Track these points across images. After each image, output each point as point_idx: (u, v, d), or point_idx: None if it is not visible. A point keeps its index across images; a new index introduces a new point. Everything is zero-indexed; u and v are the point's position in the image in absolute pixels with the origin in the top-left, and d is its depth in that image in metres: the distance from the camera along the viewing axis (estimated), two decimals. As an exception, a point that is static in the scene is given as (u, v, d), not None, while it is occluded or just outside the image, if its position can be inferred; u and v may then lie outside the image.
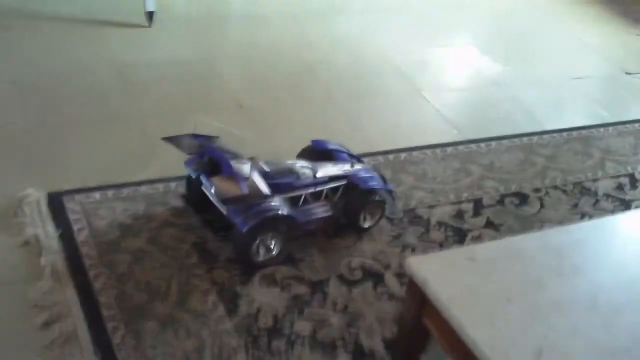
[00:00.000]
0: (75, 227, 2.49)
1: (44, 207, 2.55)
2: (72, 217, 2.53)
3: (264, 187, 2.39)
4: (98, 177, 2.73)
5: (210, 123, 2.98)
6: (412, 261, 1.78)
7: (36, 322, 2.14)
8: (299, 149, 2.82)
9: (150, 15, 3.79)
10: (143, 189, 2.71)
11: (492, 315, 1.67)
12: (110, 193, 2.66)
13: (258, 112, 3.31)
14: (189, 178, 2.61)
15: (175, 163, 2.69)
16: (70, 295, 2.24)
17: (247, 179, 2.36)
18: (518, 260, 1.85)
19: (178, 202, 2.66)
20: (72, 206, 2.58)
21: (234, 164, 2.38)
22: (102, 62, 3.50)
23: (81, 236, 2.46)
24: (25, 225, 2.46)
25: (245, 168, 2.40)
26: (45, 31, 3.70)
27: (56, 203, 2.58)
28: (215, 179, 2.36)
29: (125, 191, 2.69)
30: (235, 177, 2.34)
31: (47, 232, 2.45)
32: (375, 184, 2.64)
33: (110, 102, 3.23)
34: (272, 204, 2.39)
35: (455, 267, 1.79)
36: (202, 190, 2.52)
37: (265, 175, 2.45)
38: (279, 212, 2.38)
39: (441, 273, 1.76)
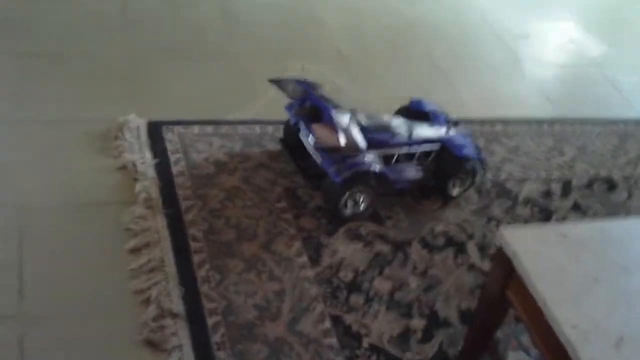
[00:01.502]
0: (172, 158, 2.55)
1: (144, 135, 2.61)
2: (169, 147, 2.59)
3: (360, 141, 2.41)
4: (196, 111, 2.78)
5: (315, 69, 3.00)
6: (503, 232, 1.77)
7: (127, 246, 2.22)
8: (393, 105, 2.82)
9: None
10: (241, 128, 2.75)
11: (578, 295, 1.67)
12: (209, 128, 2.72)
13: (356, 62, 3.32)
14: (287, 123, 2.64)
15: (273, 106, 2.75)
16: (161, 223, 2.31)
17: (345, 130, 2.37)
18: (608, 243, 1.83)
19: (273, 146, 2.70)
20: (170, 137, 2.63)
21: (334, 113, 2.40)
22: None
23: (177, 167, 2.52)
24: (124, 149, 2.53)
25: (345, 119, 2.41)
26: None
27: (155, 132, 2.64)
28: (315, 127, 2.38)
29: (224, 128, 2.74)
30: (334, 127, 2.36)
31: (145, 159, 2.51)
32: (470, 152, 2.63)
33: (212, 38, 3.26)
34: (367, 158, 2.41)
35: (546, 242, 1.78)
36: (299, 137, 2.55)
37: (362, 129, 2.46)
38: (372, 167, 2.40)
39: (531, 247, 1.76)
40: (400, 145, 2.55)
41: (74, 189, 2.37)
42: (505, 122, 3.18)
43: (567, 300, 1.64)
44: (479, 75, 3.50)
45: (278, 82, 2.54)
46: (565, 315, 1.60)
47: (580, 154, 3.11)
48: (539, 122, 3.24)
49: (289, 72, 3.08)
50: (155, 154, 2.54)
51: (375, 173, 2.41)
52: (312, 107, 2.51)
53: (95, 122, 2.63)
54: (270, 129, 2.78)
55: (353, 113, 2.49)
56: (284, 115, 2.64)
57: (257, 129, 2.77)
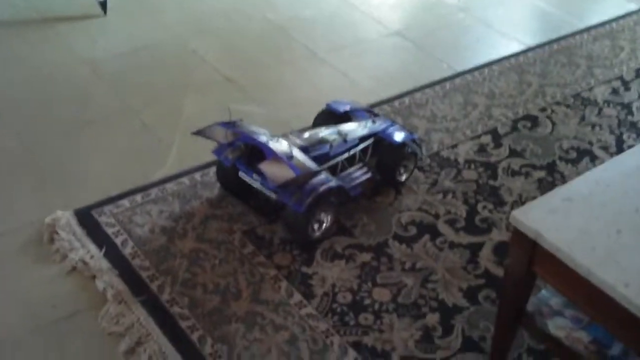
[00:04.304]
0: (117, 241, 2.37)
1: (77, 228, 2.42)
2: (110, 231, 2.41)
3: (310, 163, 2.32)
4: (118, 183, 2.59)
5: (241, 108, 2.89)
6: (518, 215, 1.75)
7: (119, 350, 2.05)
8: (303, 113, 2.79)
9: (103, 3, 3.59)
10: (170, 186, 2.60)
11: (612, 252, 1.66)
12: (138, 198, 2.54)
13: (248, 83, 3.19)
14: (219, 166, 2.51)
15: (189, 152, 2.67)
16: (141, 314, 2.14)
17: (292, 158, 2.28)
18: (609, 191, 1.84)
19: (210, 192, 2.57)
20: (105, 219, 2.45)
21: (273, 145, 2.30)
22: (71, 60, 3.30)
23: (127, 249, 2.35)
24: (66, 250, 2.33)
25: (285, 148, 2.32)
26: (-1, 40, 3.47)
27: (87, 220, 2.45)
28: (265, 166, 2.27)
29: (153, 192, 2.57)
30: (281, 159, 2.26)
31: (91, 253, 2.32)
32: (404, 136, 2.59)
33: (97, 99, 3.06)
34: (321, 178, 2.32)
35: (557, 211, 1.77)
36: (238, 177, 2.44)
37: (303, 150, 2.38)
38: (330, 184, 2.32)
39: (549, 222, 1.74)
40: (342, 153, 2.49)
41: (34, 309, 2.15)
42: (410, 93, 3.16)
43: (605, 260, 1.63)
44: (365, 57, 3.45)
45: (203, 132, 2.41)
46: (613, 276, 1.58)
47: (491, 100, 3.13)
48: (441, 83, 3.24)
49: (188, 110, 2.96)
50: (99, 244, 2.36)
51: (334, 189, 2.33)
52: (245, 145, 2.40)
53: (21, 229, 2.40)
54: (198, 176, 2.64)
55: (286, 138, 2.40)
56: (205, 157, 2.54)
57: (186, 181, 2.62)
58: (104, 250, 2.34)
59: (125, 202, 2.52)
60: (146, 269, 2.27)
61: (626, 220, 1.75)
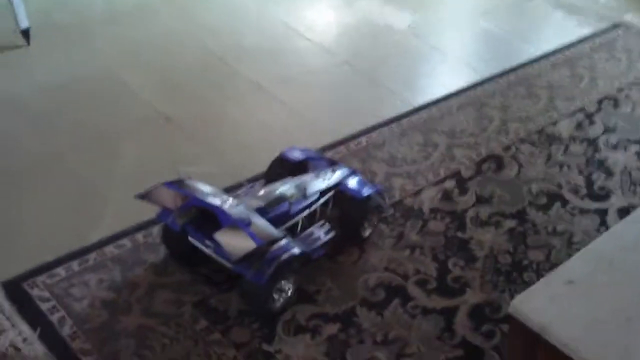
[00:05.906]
0: (54, 319, 2.09)
1: (6, 303, 2.13)
2: (44, 306, 2.13)
3: (271, 229, 2.08)
4: (50, 247, 2.31)
5: (193, 170, 2.62)
6: (520, 306, 1.56)
7: None
8: (255, 157, 2.59)
9: (26, 32, 3.28)
10: (109, 250, 2.33)
11: (625, 346, 1.48)
12: (75, 265, 2.27)
13: (189, 123, 2.93)
14: (166, 228, 2.26)
15: (130, 207, 2.34)
16: (84, 409, 1.88)
17: (250, 224, 2.03)
18: (614, 268, 1.66)
19: (155, 257, 2.31)
20: (38, 292, 2.17)
21: (228, 210, 2.05)
22: (-10, 99, 3.00)
23: (65, 329, 2.07)
24: (-6, 332, 2.05)
25: (242, 212, 2.07)
26: None
27: (18, 294, 2.16)
28: (221, 236, 2.02)
29: (91, 258, 2.30)
30: (239, 226, 2.01)
31: (23, 335, 2.04)
32: (368, 189, 2.38)
33: (20, 146, 2.76)
34: (282, 244, 2.09)
35: (561, 299, 1.59)
36: (188, 241, 2.19)
37: (260, 211, 2.14)
38: (293, 251, 2.09)
39: (553, 312, 1.55)
40: (302, 210, 2.26)
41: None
42: (365, 132, 2.95)
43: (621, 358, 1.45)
44: (314, 91, 3.22)
45: (149, 196, 2.15)
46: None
47: (452, 139, 2.94)
48: (397, 119, 3.04)
49: (124, 156, 2.70)
50: (32, 323, 2.07)
51: (297, 256, 2.10)
52: (196, 208, 2.15)
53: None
54: (141, 237, 2.38)
55: (240, 198, 2.17)
56: (148, 213, 2.28)
57: (128, 243, 2.36)
58: (38, 331, 2.05)
59: (61, 271, 2.24)
60: (87, 353, 2.00)
61: (635, 305, 1.58)
